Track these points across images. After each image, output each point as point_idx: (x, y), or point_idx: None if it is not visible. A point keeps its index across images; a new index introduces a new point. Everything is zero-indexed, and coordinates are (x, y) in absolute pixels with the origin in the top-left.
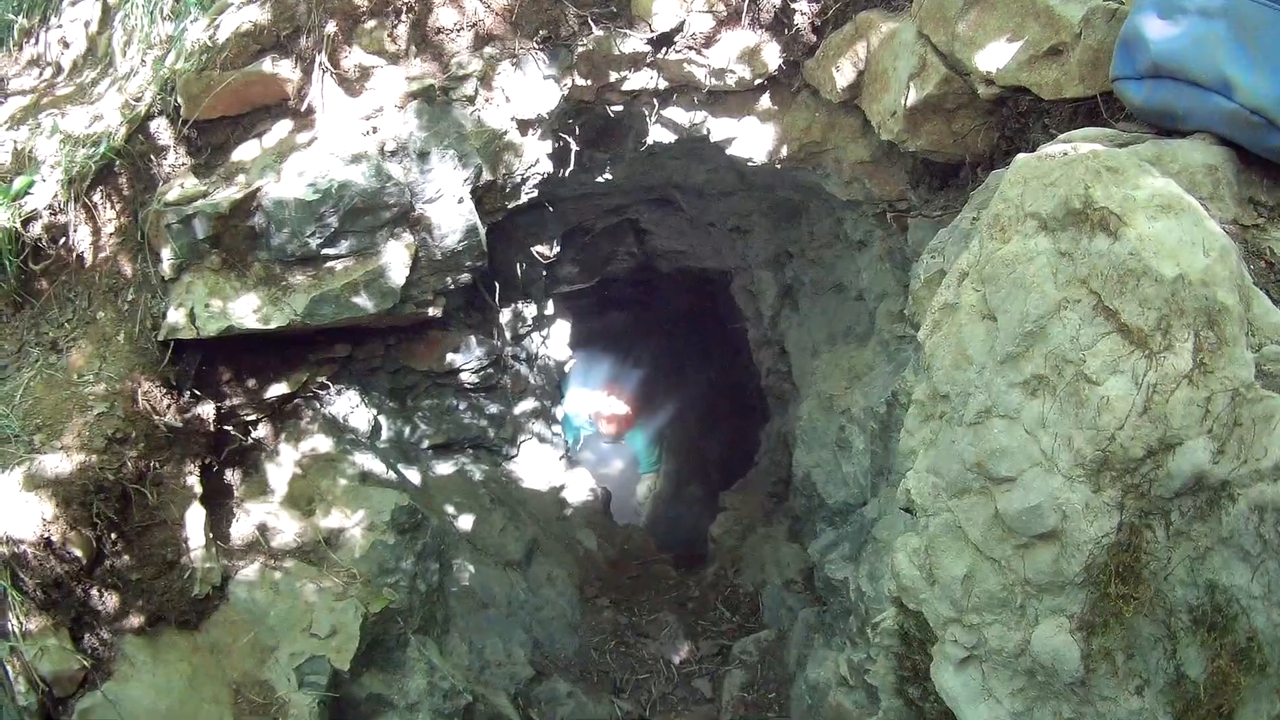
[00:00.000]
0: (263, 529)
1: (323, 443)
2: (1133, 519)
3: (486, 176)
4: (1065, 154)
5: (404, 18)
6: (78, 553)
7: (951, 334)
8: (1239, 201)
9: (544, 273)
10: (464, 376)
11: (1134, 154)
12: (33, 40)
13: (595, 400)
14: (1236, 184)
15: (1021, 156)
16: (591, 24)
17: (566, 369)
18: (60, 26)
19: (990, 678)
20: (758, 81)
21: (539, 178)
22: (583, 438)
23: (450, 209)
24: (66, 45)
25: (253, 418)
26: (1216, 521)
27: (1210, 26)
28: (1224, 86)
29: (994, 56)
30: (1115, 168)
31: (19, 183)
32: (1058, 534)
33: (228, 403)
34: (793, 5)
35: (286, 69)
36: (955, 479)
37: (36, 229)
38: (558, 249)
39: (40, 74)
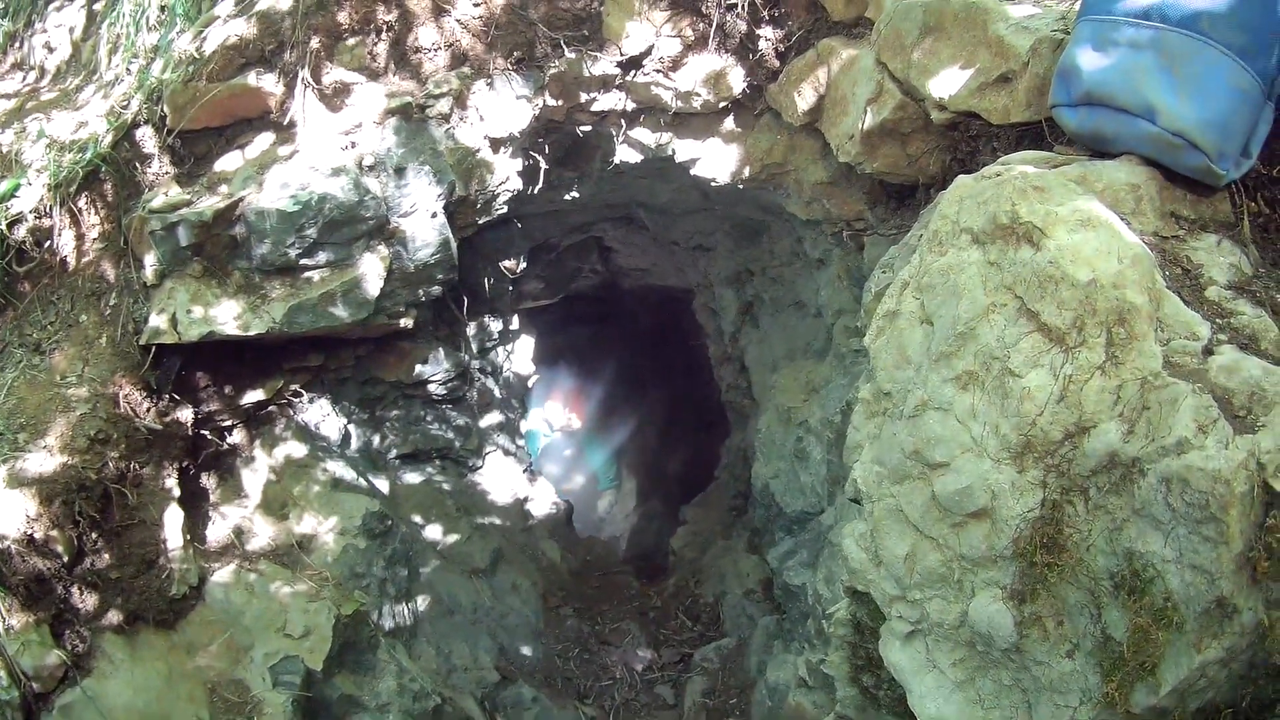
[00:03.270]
0: (238, 532)
1: (296, 449)
2: (1055, 496)
3: (459, 192)
4: (998, 175)
5: (384, 36)
6: (60, 550)
7: (894, 338)
8: (1160, 215)
9: (510, 288)
10: (432, 388)
11: (1061, 175)
12: (16, 44)
13: (550, 410)
14: (1159, 199)
15: (960, 178)
16: (564, 46)
17: (530, 384)
18: (44, 31)
19: (934, 650)
20: (722, 104)
21: (509, 194)
22: (541, 446)
23: (424, 223)
24: (51, 50)
25: (229, 423)
26: (1130, 495)
27: (1138, 58)
28: (1149, 112)
29: (947, 83)
30: (1041, 187)
31: (4, 186)
32: (988, 512)
33: (205, 408)
34: (758, 32)
35: (270, 83)
36: (896, 467)
37: (21, 232)
38: (524, 265)
39: (24, 78)
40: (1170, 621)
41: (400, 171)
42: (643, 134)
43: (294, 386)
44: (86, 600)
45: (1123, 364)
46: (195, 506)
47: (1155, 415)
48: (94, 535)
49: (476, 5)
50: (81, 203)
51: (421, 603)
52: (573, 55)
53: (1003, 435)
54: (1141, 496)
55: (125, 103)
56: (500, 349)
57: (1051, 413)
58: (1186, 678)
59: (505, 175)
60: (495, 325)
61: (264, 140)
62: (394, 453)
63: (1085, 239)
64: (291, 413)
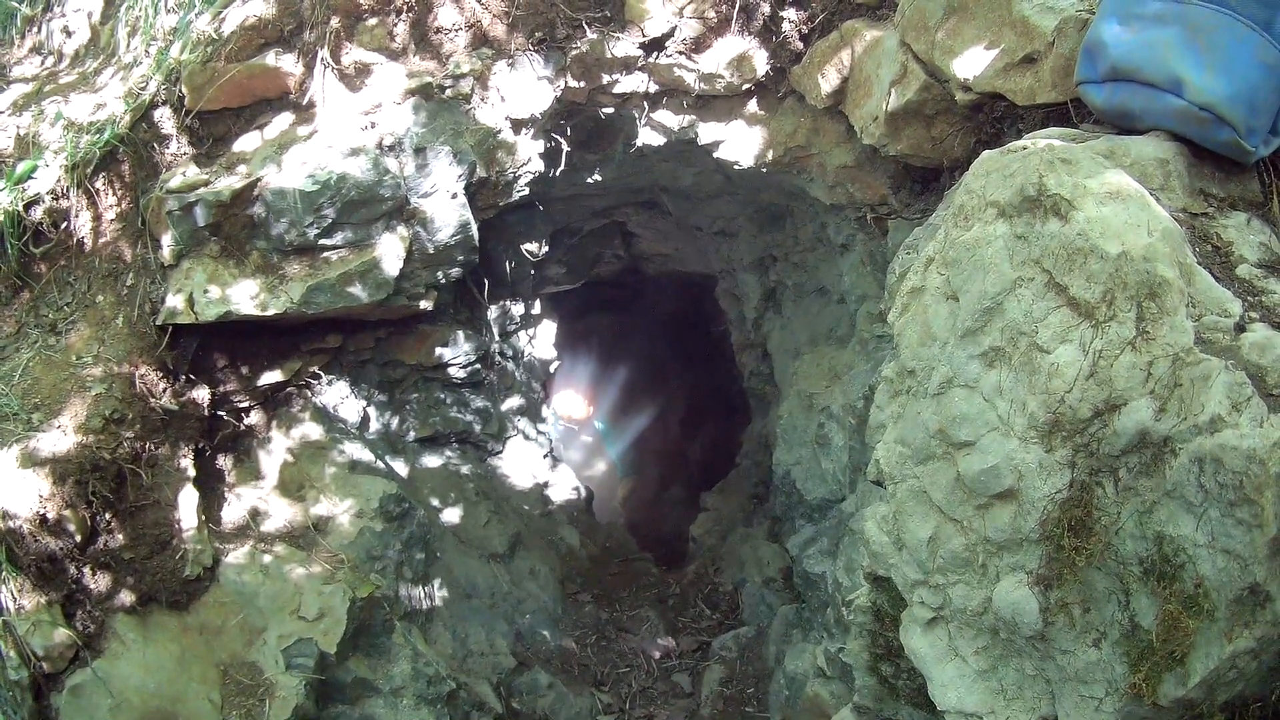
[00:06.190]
0: (254, 513)
1: (313, 431)
2: (1083, 476)
3: (480, 173)
4: (1025, 148)
5: (404, 16)
6: (72, 530)
7: (918, 314)
8: (1189, 192)
9: (532, 272)
10: (452, 371)
11: (1088, 148)
12: (35, 29)
13: (560, 399)
14: (1187, 176)
15: (986, 153)
16: (585, 27)
17: (552, 369)
18: (63, 16)
19: (956, 637)
20: (745, 87)
21: (530, 176)
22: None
23: (444, 204)
24: (69, 34)
25: (246, 404)
26: (1161, 476)
27: (1164, 31)
28: (1175, 86)
29: (971, 64)
30: (1069, 159)
31: (22, 167)
32: (1014, 493)
33: (222, 389)
34: (781, 13)
35: (289, 63)
36: (920, 446)
37: (38, 213)
38: (546, 248)
39: (43, 62)
40: (1201, 609)
41: (420, 152)
42: (665, 116)
43: (313, 368)
44: (99, 581)
45: (1154, 339)
46: (211, 487)
47: (1187, 392)
48: (107, 515)
49: None
50: (99, 184)
51: (438, 586)
52: (594, 36)
53: (1030, 413)
54: (1173, 478)
55: (143, 84)
56: (522, 333)
57: (1081, 389)
58: (1217, 669)
59: (527, 157)
60: (516, 309)
61: (283, 120)
62: (413, 435)
63: (1115, 211)
64: (310, 394)
